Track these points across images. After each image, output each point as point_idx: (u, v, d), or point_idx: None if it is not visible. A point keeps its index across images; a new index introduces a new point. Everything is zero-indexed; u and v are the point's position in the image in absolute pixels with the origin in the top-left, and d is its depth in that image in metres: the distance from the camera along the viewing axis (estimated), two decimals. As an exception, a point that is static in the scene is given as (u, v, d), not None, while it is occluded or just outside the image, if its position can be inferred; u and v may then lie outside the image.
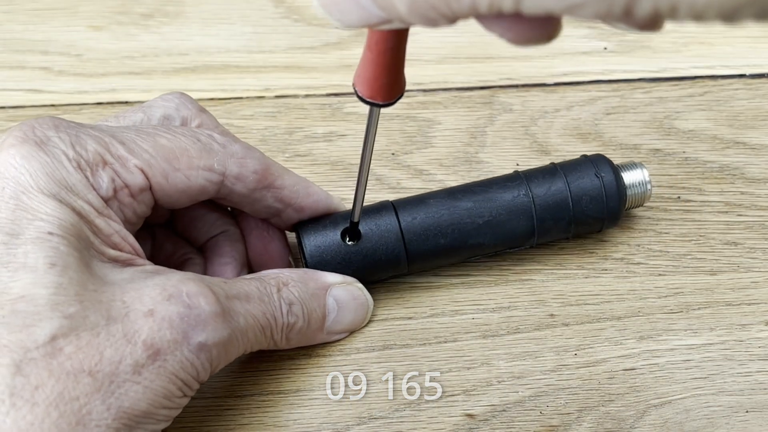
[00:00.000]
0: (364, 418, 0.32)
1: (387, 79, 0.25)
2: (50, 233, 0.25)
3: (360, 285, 0.33)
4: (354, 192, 0.31)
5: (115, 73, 0.42)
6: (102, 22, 0.44)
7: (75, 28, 0.44)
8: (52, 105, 0.41)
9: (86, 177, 0.26)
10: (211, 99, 0.42)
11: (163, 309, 0.26)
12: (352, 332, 0.34)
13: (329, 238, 0.32)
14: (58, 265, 0.24)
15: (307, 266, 0.32)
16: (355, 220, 0.32)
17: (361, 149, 0.29)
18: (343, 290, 0.32)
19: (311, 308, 0.31)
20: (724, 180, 0.39)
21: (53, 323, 0.24)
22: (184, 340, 0.26)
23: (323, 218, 0.33)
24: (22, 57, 0.43)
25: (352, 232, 0.32)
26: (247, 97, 0.42)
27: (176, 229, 0.34)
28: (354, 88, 0.25)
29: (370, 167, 0.39)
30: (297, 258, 0.35)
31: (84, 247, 0.26)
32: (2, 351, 0.23)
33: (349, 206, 0.33)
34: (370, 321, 0.34)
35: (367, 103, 0.25)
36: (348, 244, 0.32)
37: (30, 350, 0.23)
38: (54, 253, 0.25)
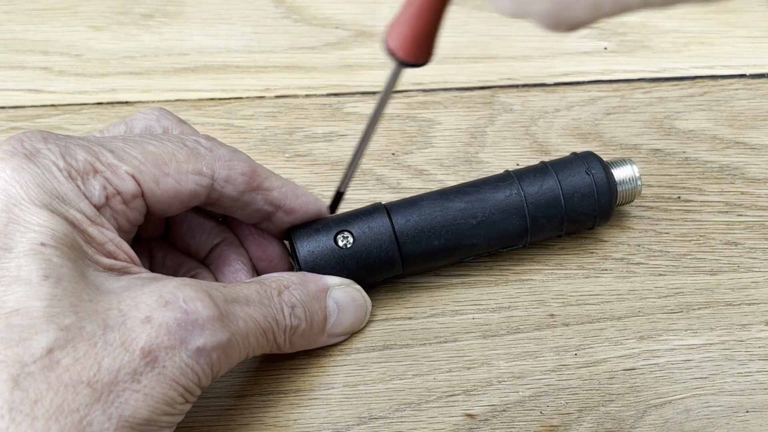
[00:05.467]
0: (364, 418, 0.32)
1: (424, 40, 0.25)
2: (43, 244, 0.25)
3: (358, 287, 0.33)
4: (350, 159, 0.31)
5: (116, 73, 0.42)
6: (102, 22, 0.44)
7: (75, 28, 0.44)
8: (52, 105, 0.41)
9: (77, 186, 0.26)
10: (211, 99, 0.42)
11: (159, 315, 0.25)
12: (351, 334, 0.34)
13: (322, 242, 0.32)
14: (52, 276, 0.24)
15: (301, 270, 0.32)
16: (342, 190, 0.32)
17: (373, 112, 0.29)
18: (342, 292, 0.32)
19: (313, 311, 0.31)
20: (724, 180, 0.39)
21: (49, 336, 0.24)
22: (182, 345, 0.26)
23: (315, 223, 0.33)
24: (22, 57, 0.43)
25: (335, 203, 0.32)
26: (247, 97, 0.42)
27: (175, 243, 0.34)
28: (386, 46, 0.25)
29: (372, 168, 0.39)
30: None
31: (78, 256, 0.26)
32: (0, 366, 0.23)
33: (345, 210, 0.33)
34: (370, 321, 0.34)
35: (398, 61, 0.25)
36: (341, 248, 0.32)
37: (27, 364, 0.23)
38: (47, 265, 0.24)
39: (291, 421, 0.32)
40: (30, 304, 0.24)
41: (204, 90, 0.42)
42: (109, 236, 0.27)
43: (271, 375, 0.33)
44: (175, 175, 0.29)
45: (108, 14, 0.45)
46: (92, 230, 0.27)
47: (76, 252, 0.26)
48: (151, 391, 0.25)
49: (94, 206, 0.27)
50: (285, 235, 0.33)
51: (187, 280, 0.27)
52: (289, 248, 0.34)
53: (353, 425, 0.32)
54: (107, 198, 0.27)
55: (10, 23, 0.44)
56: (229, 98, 0.42)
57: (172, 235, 0.33)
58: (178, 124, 0.32)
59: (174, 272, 0.33)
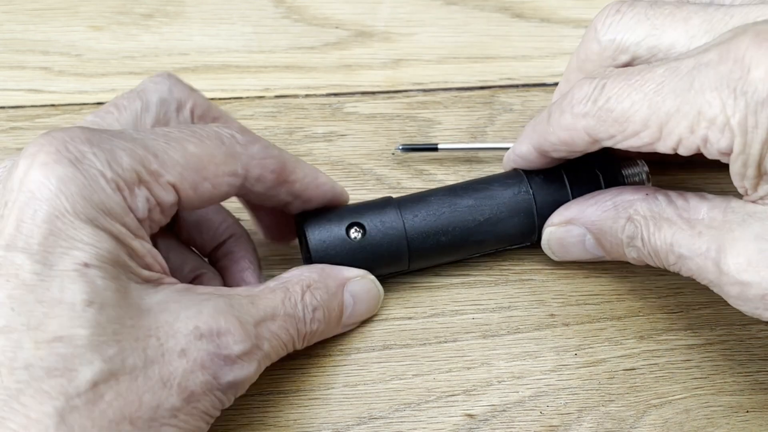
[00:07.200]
0: (364, 418, 0.32)
1: None
2: (86, 264, 0.24)
3: (372, 277, 0.33)
4: None
5: (115, 73, 0.42)
6: (102, 22, 0.44)
7: (75, 28, 0.44)
8: (52, 105, 0.41)
9: (124, 198, 0.26)
10: (211, 99, 0.41)
11: (194, 349, 0.26)
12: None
13: (334, 233, 0.32)
14: (96, 302, 0.24)
15: (310, 260, 0.32)
16: None
17: None
18: (358, 285, 0.32)
19: (331, 309, 0.31)
20: (725, 180, 0.38)
21: (94, 368, 0.23)
22: (215, 380, 0.26)
23: (327, 212, 0.33)
24: (22, 57, 0.43)
25: None
26: (247, 97, 0.42)
27: (180, 234, 0.33)
28: None
29: (372, 168, 0.39)
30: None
31: (121, 272, 0.25)
32: (43, 397, 0.23)
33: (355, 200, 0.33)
34: (370, 321, 0.34)
35: None
36: (352, 240, 0.32)
37: (72, 397, 0.23)
38: (91, 289, 0.24)
39: (291, 421, 0.32)
40: (74, 332, 0.23)
41: (204, 90, 0.41)
42: (147, 248, 0.27)
43: (271, 375, 0.33)
44: (212, 179, 0.28)
45: (108, 14, 0.44)
46: (135, 244, 0.26)
47: (119, 268, 0.25)
48: (184, 425, 0.25)
49: (138, 219, 0.26)
50: (295, 218, 0.33)
51: (221, 305, 0.27)
52: (296, 229, 0.34)
53: (353, 425, 0.32)
54: (149, 210, 0.26)
55: (10, 23, 0.44)
56: (229, 98, 0.42)
57: (177, 225, 0.33)
58: (190, 95, 0.31)
59: (178, 269, 0.32)
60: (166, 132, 0.28)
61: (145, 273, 0.26)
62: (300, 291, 0.30)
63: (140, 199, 0.26)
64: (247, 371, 0.27)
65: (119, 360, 0.24)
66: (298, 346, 0.30)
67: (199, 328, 0.26)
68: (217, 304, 0.27)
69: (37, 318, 0.23)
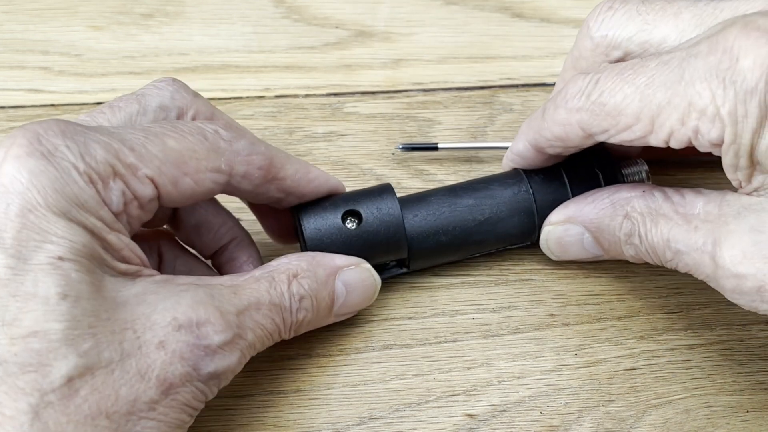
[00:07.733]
0: (364, 418, 0.32)
1: None
2: (60, 258, 0.24)
3: (368, 266, 0.32)
4: None
5: (115, 73, 0.42)
6: (102, 22, 0.44)
7: (75, 28, 0.44)
8: (52, 105, 0.41)
9: (98, 191, 0.25)
10: (211, 99, 0.41)
11: (173, 340, 0.25)
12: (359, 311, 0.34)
13: (329, 221, 0.32)
14: (71, 295, 0.24)
15: (306, 249, 0.32)
16: None
17: None
18: (351, 274, 0.32)
19: (320, 298, 0.31)
20: (724, 179, 0.38)
21: (69, 362, 0.23)
22: (194, 371, 0.26)
23: (323, 200, 0.32)
24: (22, 57, 0.43)
25: None
26: (247, 97, 0.42)
27: (178, 234, 0.33)
28: None
29: (372, 168, 0.39)
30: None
31: (96, 266, 0.25)
32: (17, 394, 0.23)
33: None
34: (370, 321, 0.34)
35: None
36: (348, 228, 0.32)
37: (46, 393, 0.23)
38: (65, 282, 0.24)
39: (291, 421, 0.32)
40: (48, 326, 0.23)
41: (204, 90, 0.42)
42: (125, 242, 0.26)
43: (271, 375, 0.33)
44: (193, 175, 0.28)
45: (108, 14, 0.45)
46: (111, 237, 0.26)
47: (94, 261, 0.25)
48: (164, 418, 0.25)
49: (113, 213, 0.26)
50: (291, 208, 0.33)
51: (200, 294, 0.27)
52: (293, 220, 0.33)
53: (353, 425, 0.32)
54: (125, 204, 0.26)
55: (10, 23, 0.44)
56: (229, 98, 0.42)
57: (176, 224, 0.33)
58: (192, 102, 0.31)
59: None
60: (145, 127, 0.28)
61: (122, 266, 0.26)
62: (286, 280, 0.30)
63: (115, 192, 0.26)
64: (228, 361, 0.27)
65: (95, 354, 0.24)
66: (285, 336, 0.30)
67: (177, 319, 0.26)
68: (196, 295, 0.27)
69: (12, 313, 0.23)
